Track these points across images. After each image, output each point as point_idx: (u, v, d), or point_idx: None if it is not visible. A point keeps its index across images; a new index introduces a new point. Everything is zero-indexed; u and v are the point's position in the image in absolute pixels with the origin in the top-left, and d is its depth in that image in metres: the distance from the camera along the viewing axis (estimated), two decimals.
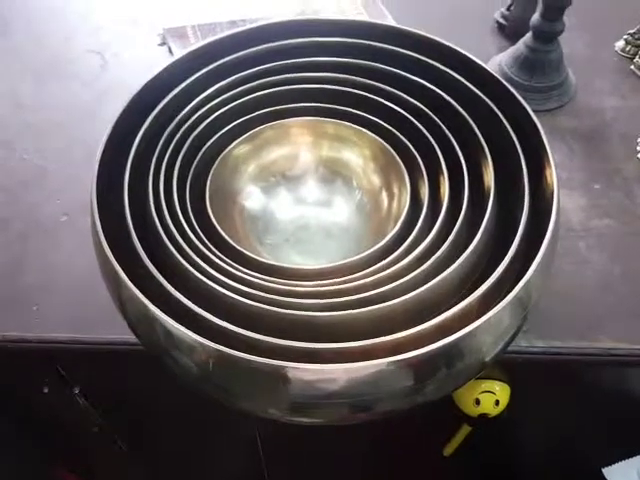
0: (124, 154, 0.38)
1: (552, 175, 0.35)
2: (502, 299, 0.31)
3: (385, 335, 0.30)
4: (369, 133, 0.42)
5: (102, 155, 0.36)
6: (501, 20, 0.61)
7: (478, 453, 0.57)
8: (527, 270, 0.32)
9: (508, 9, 0.61)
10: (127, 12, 0.65)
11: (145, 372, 0.44)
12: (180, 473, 0.62)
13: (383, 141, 0.41)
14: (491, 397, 0.45)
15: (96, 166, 0.36)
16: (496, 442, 0.57)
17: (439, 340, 0.30)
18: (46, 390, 0.50)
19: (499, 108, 0.38)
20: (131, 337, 0.36)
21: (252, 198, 0.43)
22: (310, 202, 0.44)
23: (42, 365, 0.47)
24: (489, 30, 0.63)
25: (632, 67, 0.57)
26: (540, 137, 0.36)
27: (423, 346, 0.29)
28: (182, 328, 0.30)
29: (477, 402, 0.46)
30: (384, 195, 0.43)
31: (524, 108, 0.37)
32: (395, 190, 0.41)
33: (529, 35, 0.53)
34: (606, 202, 0.49)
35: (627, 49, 0.58)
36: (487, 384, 0.46)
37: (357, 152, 0.43)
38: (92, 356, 0.44)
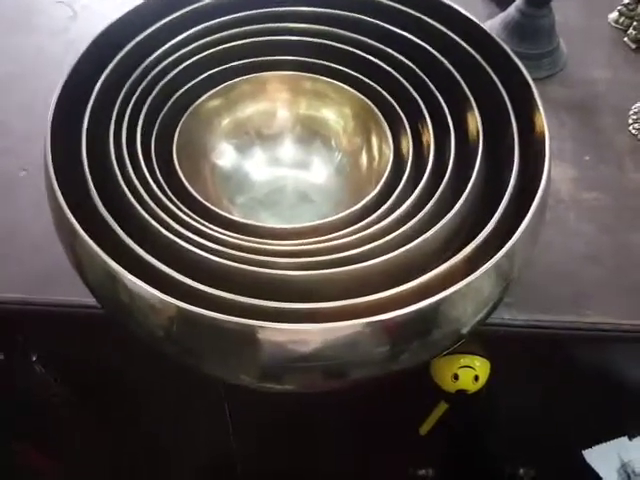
0: (84, 102, 0.35)
1: (542, 125, 0.33)
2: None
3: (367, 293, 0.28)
4: (349, 89, 0.40)
5: (58, 101, 0.33)
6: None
7: (455, 432, 0.56)
8: (513, 234, 0.30)
9: None
10: None
11: (107, 337, 0.41)
12: (147, 444, 0.59)
13: (364, 97, 0.39)
14: (470, 372, 0.44)
15: (50, 113, 0.33)
16: (473, 421, 0.55)
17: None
18: (2, 357, 0.47)
19: (485, 59, 0.36)
20: (90, 299, 0.34)
21: (225, 156, 0.41)
22: (286, 163, 0.42)
23: None
24: None
25: (625, 39, 0.55)
26: (530, 91, 0.34)
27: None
28: (143, 284, 0.28)
29: (455, 377, 0.44)
30: (365, 156, 0.40)
31: (511, 59, 0.35)
32: (376, 150, 0.39)
33: (521, 0, 0.51)
34: (596, 174, 0.47)
35: (620, 20, 0.56)
36: (466, 359, 0.44)
37: (337, 110, 0.41)
38: (48, 319, 0.41)
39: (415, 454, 0.61)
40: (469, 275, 0.29)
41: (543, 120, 0.33)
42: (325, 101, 0.41)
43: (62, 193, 0.30)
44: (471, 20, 0.38)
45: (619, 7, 0.56)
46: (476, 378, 0.44)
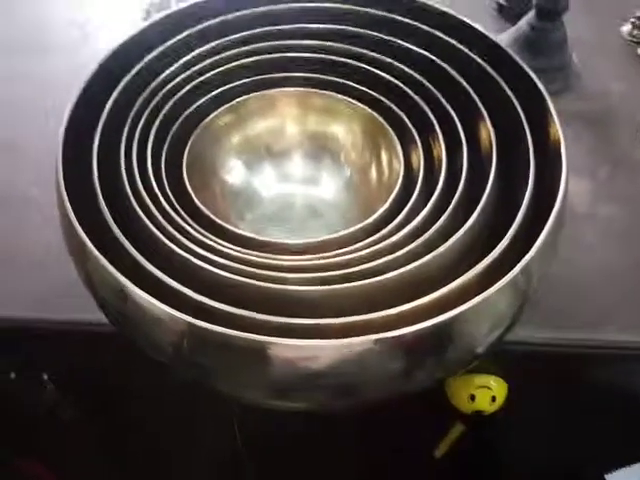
0: (95, 119, 0.35)
1: (558, 137, 0.32)
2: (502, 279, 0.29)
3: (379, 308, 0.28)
4: (358, 104, 0.39)
5: (69, 121, 0.33)
6: (500, 0, 0.59)
7: (472, 455, 0.54)
8: (530, 249, 0.30)
9: None
10: None
11: (116, 354, 0.41)
12: (154, 460, 0.58)
13: (373, 112, 0.38)
14: (487, 393, 0.42)
15: (62, 129, 0.33)
16: (491, 444, 0.54)
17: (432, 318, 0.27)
18: (13, 375, 0.46)
19: (497, 72, 0.36)
20: (101, 317, 0.33)
21: (234, 172, 0.40)
22: (296, 179, 0.42)
23: (5, 347, 0.44)
24: (487, 12, 0.60)
25: (639, 51, 0.55)
26: (545, 103, 0.33)
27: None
28: (153, 300, 0.27)
29: (472, 398, 0.43)
30: (375, 170, 0.40)
31: (524, 71, 0.34)
32: (386, 165, 0.39)
33: (531, 13, 0.51)
34: (612, 188, 0.46)
35: (634, 33, 0.56)
36: (483, 379, 0.43)
37: (346, 125, 0.40)
38: (58, 337, 0.41)
39: (430, 477, 0.60)
40: (484, 291, 0.28)
41: (559, 132, 0.32)
42: (334, 117, 0.41)
43: (73, 210, 0.30)
44: (483, 34, 0.37)
45: (632, 19, 0.56)
46: (493, 399, 0.43)
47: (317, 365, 0.26)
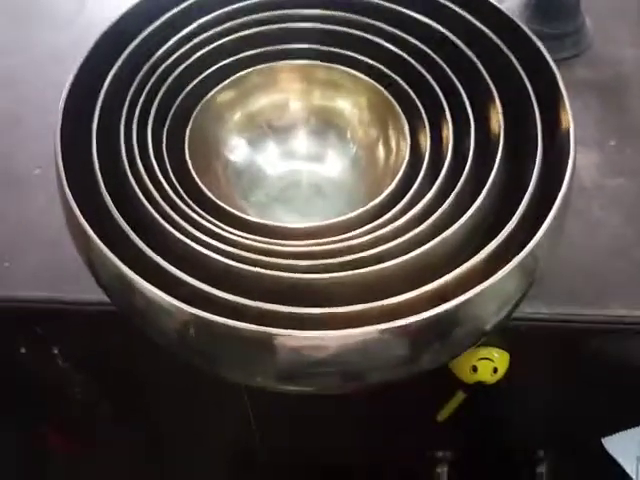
0: (93, 97, 0.34)
1: (568, 120, 0.32)
2: (508, 262, 0.29)
3: (381, 299, 0.28)
4: (366, 78, 0.38)
5: (67, 99, 0.33)
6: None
7: (473, 420, 0.55)
8: (537, 231, 0.29)
9: None
10: None
11: (126, 334, 0.41)
12: (167, 436, 0.60)
13: (381, 87, 0.37)
14: (489, 364, 0.43)
15: (60, 111, 0.33)
16: (491, 410, 0.55)
17: (438, 306, 0.27)
18: (23, 350, 0.47)
19: (508, 47, 0.35)
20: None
21: (237, 150, 0.40)
22: (301, 156, 0.41)
23: (16, 324, 0.44)
24: None
25: None
26: (555, 80, 0.33)
27: (421, 312, 0.27)
28: (157, 291, 0.27)
29: (474, 369, 0.43)
30: (381, 148, 0.39)
31: (536, 47, 0.33)
32: (393, 142, 0.38)
33: None
34: (622, 160, 0.45)
35: None
36: (485, 351, 0.43)
37: (352, 100, 0.40)
38: (69, 317, 0.42)
39: (433, 438, 0.61)
40: (491, 274, 0.28)
41: (569, 116, 0.31)
42: (340, 91, 0.40)
43: (74, 196, 0.29)
44: (495, 7, 0.36)
45: None
46: (495, 370, 0.43)
47: (323, 354, 0.27)
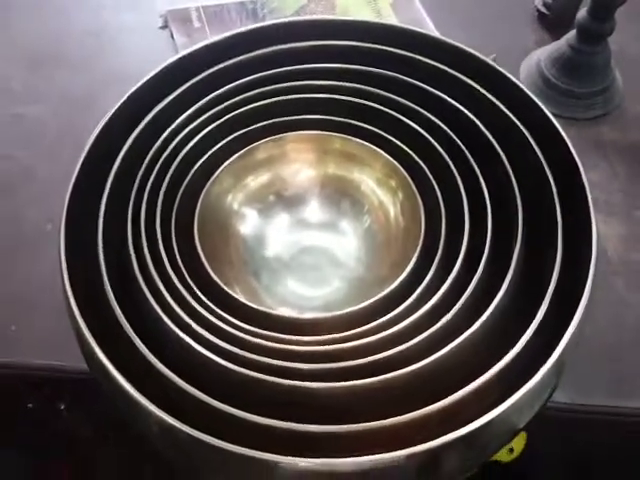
0: (102, 181, 0.34)
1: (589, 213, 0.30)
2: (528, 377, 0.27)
3: (392, 406, 0.26)
4: (381, 152, 0.37)
5: (75, 184, 0.32)
6: (542, 9, 0.54)
7: None
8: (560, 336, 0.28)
9: None
10: None
11: None
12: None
13: (395, 161, 0.36)
14: None
15: (66, 199, 0.32)
16: None
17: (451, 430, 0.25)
18: (30, 405, 0.47)
19: (533, 136, 0.33)
20: None
21: (249, 219, 0.39)
22: (313, 225, 0.40)
23: (21, 386, 0.44)
24: (529, 19, 0.56)
25: None
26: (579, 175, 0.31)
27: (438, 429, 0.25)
28: (165, 415, 0.25)
29: None
30: (394, 221, 0.38)
31: (565, 143, 0.31)
32: (408, 216, 0.37)
33: (573, 33, 0.47)
34: None
35: None
36: None
37: (367, 173, 0.38)
38: (75, 382, 0.41)
39: None
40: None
41: (591, 211, 0.30)
42: (354, 162, 0.39)
43: (77, 304, 0.29)
44: (517, 85, 0.35)
45: None
46: (511, 450, 0.42)
47: None
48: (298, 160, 0.39)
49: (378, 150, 0.37)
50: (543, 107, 0.33)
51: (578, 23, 0.45)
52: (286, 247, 0.39)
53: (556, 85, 0.48)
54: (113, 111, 0.34)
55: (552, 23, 0.54)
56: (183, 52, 0.36)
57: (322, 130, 0.38)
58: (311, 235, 0.40)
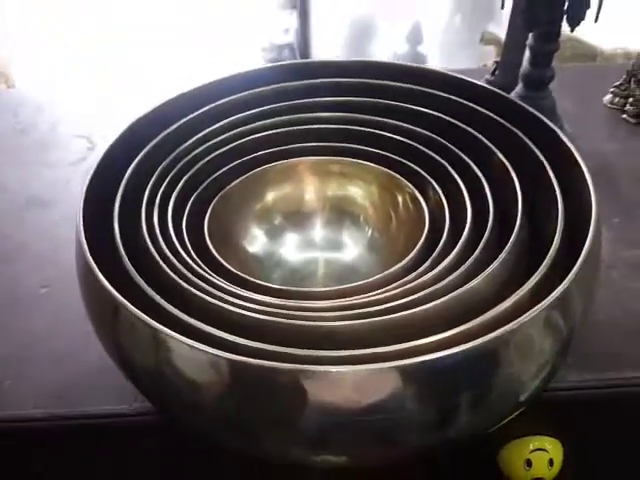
0: (114, 192, 0.35)
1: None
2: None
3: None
4: (375, 166, 0.40)
5: (87, 193, 0.33)
6: (488, 86, 0.62)
7: None
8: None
9: (492, 74, 0.62)
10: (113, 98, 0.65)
11: (132, 447, 0.37)
12: None
13: (389, 170, 0.39)
14: (544, 456, 0.38)
15: (81, 203, 0.33)
16: None
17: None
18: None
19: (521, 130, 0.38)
20: (119, 408, 0.35)
21: (256, 241, 0.40)
22: (318, 244, 0.41)
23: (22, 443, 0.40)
24: None
25: (624, 116, 0.58)
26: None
27: None
28: (190, 341, 0.26)
29: (528, 464, 0.39)
30: (395, 226, 0.39)
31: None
32: (406, 216, 0.39)
33: (520, 85, 0.54)
34: (629, 234, 0.46)
35: (615, 101, 0.59)
36: (537, 441, 0.39)
37: (364, 187, 0.41)
38: (75, 431, 0.38)
39: None
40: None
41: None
42: (352, 180, 0.41)
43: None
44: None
45: (611, 89, 0.59)
46: (551, 462, 0.39)
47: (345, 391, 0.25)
48: (300, 183, 0.41)
49: (372, 165, 0.40)
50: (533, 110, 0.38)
51: (522, 74, 0.52)
52: (293, 268, 0.40)
53: None
54: (120, 134, 0.37)
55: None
56: (191, 86, 0.40)
57: (321, 155, 0.41)
58: (317, 254, 0.41)
